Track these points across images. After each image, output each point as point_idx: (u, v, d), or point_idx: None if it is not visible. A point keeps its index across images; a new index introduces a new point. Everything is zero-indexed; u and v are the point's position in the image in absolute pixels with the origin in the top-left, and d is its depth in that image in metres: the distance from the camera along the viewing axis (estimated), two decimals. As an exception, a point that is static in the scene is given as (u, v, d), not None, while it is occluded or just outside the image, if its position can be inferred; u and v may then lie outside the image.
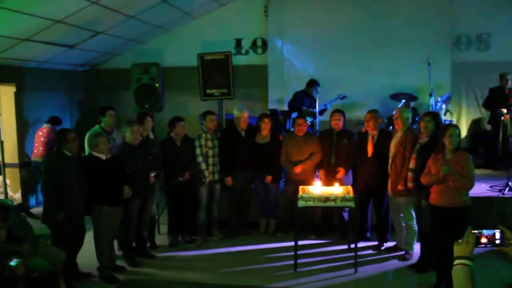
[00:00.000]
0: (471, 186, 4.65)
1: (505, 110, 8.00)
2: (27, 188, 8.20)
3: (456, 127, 4.82)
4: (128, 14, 7.79)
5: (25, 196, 8.17)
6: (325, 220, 6.64)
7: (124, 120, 5.96)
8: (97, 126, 6.06)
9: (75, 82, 9.88)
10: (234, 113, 6.60)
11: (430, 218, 5.11)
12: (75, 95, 9.91)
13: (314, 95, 8.01)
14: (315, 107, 7.86)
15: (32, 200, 8.29)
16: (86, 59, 9.58)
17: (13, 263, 3.80)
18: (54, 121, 7.93)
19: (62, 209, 4.85)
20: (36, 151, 7.73)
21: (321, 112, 8.04)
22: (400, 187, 5.51)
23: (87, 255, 5.36)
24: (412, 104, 8.14)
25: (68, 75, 9.57)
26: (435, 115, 5.30)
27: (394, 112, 5.96)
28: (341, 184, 5.89)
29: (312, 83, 8.15)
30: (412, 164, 5.32)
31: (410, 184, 5.37)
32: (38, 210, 7.49)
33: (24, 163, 8.11)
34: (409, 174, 5.36)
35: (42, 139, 7.67)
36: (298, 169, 6.29)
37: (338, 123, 6.31)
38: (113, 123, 6.13)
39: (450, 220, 4.60)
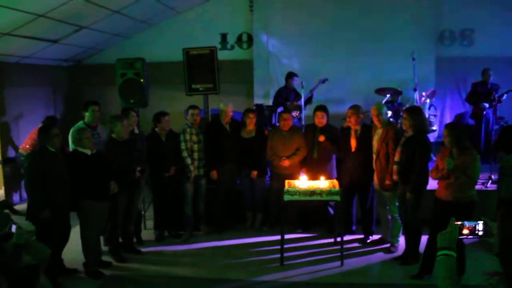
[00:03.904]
0: (472, 185, 4.71)
1: (487, 105, 8.11)
2: (10, 185, 8.10)
3: (447, 127, 4.84)
4: (112, 8, 7.72)
5: (8, 192, 8.06)
6: (311, 214, 6.67)
7: (109, 115, 5.90)
8: (81, 122, 6.01)
9: (59, 77, 9.75)
10: (220, 106, 6.60)
11: (414, 211, 5.19)
12: (60, 90, 9.79)
13: (296, 88, 8.03)
14: (300, 99, 7.88)
15: (16, 197, 8.19)
16: (70, 54, 9.48)
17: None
18: (50, 121, 7.79)
19: (46, 205, 4.80)
20: (24, 145, 7.62)
21: (309, 99, 8.06)
22: (388, 182, 5.55)
23: (73, 251, 5.34)
24: (399, 99, 8.22)
25: (52, 70, 9.45)
26: (411, 112, 5.31)
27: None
28: (327, 178, 5.92)
29: (291, 75, 8.18)
30: (397, 157, 5.36)
31: (395, 177, 5.41)
32: (22, 206, 7.42)
33: (8, 160, 8.01)
34: (394, 167, 5.40)
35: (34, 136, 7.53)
36: (286, 163, 6.31)
37: (321, 121, 6.32)
38: (96, 118, 6.08)
39: (452, 214, 4.62)
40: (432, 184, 5.21)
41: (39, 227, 4.92)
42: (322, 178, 5.79)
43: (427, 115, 7.46)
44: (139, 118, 6.58)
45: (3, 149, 8.02)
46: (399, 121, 7.56)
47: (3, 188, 8.08)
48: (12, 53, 7.86)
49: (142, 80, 6.92)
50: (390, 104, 7.94)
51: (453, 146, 4.71)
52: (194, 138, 6.35)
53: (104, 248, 5.74)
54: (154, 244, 6.26)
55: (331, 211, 6.39)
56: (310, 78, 8.27)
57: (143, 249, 6.04)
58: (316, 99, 8.19)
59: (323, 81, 8.20)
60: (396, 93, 8.12)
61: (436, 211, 4.86)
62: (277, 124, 7.10)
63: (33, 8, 6.42)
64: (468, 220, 2.34)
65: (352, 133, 6.02)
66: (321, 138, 6.17)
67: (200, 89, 7.22)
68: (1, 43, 7.04)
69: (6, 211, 5.79)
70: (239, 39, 9.91)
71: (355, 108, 6.00)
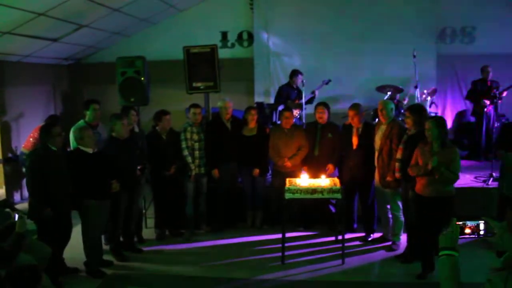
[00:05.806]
0: (455, 180, 4.76)
1: (487, 102, 8.10)
2: (11, 184, 8.09)
3: (433, 119, 4.86)
4: (112, 7, 7.70)
5: (9, 191, 8.06)
6: (312, 212, 6.66)
7: (110, 114, 5.89)
8: (82, 120, 6.00)
9: (59, 76, 9.74)
10: (218, 104, 6.59)
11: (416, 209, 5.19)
12: (60, 89, 9.77)
13: (299, 86, 8.02)
14: (302, 98, 7.87)
15: (17, 196, 8.18)
16: (70, 53, 9.46)
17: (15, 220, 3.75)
18: (52, 120, 7.77)
19: (48, 204, 4.80)
20: (26, 143, 7.61)
21: (311, 100, 8.05)
22: (389, 178, 5.55)
23: (74, 250, 5.32)
24: (397, 96, 8.20)
25: (52, 69, 9.43)
26: (413, 110, 5.29)
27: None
28: (328, 176, 5.91)
29: (296, 73, 8.15)
30: (399, 155, 5.36)
31: (397, 174, 5.41)
32: (23, 205, 7.41)
33: (8, 159, 8.00)
34: (396, 164, 5.40)
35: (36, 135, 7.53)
36: (287, 164, 6.31)
37: (322, 116, 6.32)
38: (97, 117, 6.06)
39: (434, 210, 4.68)
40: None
41: (40, 226, 4.93)
42: (323, 176, 5.78)
43: (428, 112, 7.44)
44: (139, 116, 6.58)
45: (3, 148, 8.00)
46: (399, 118, 7.56)
47: (3, 187, 8.08)
48: (12, 52, 7.84)
49: (142, 79, 6.91)
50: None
51: (436, 140, 4.70)
52: (195, 136, 6.35)
53: (105, 247, 5.72)
54: (155, 243, 6.26)
55: (332, 209, 6.39)
56: (311, 76, 8.26)
57: (144, 248, 6.04)
58: (317, 97, 8.17)
59: (327, 82, 8.19)
60: (397, 90, 8.11)
61: (418, 209, 4.90)
62: (278, 122, 7.09)
63: (33, 6, 6.40)
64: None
65: (354, 130, 6.02)
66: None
67: (201, 87, 7.21)
68: (1, 42, 7.02)
69: (7, 210, 5.75)
70: (239, 37, 9.89)
71: (357, 108, 6.00)
